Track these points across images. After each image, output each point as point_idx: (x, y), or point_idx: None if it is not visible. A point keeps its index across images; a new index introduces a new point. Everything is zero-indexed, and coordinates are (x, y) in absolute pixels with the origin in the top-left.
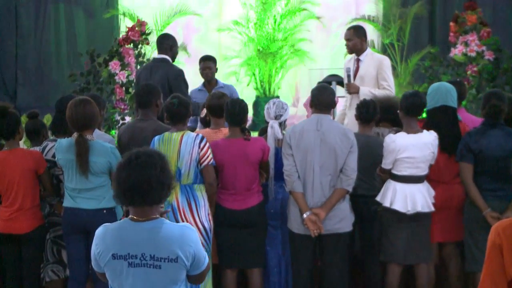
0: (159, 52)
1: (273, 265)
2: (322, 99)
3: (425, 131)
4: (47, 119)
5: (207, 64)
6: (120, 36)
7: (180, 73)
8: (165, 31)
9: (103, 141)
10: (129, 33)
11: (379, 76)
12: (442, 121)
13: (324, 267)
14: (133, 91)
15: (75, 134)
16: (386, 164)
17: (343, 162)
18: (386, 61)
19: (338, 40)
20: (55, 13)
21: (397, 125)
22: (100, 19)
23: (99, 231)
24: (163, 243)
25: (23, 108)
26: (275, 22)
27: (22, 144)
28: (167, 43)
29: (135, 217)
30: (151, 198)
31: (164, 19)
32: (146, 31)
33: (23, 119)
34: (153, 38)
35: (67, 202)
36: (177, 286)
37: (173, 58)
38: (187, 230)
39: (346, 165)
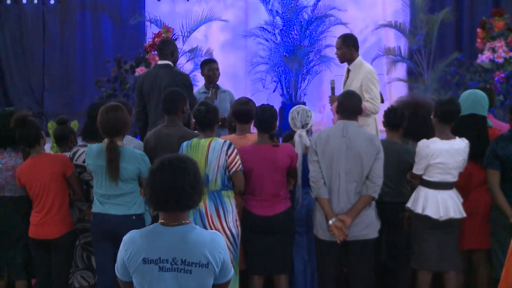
0: (160, 58)
1: (298, 271)
2: (348, 105)
3: (457, 138)
4: (74, 125)
5: (214, 66)
6: (147, 42)
7: (187, 78)
8: (191, 37)
9: (133, 148)
10: (156, 39)
11: (362, 88)
12: (469, 129)
13: (350, 274)
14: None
15: (105, 140)
16: (418, 169)
17: (369, 168)
18: (372, 73)
19: (364, 46)
20: (82, 20)
21: (407, 136)
22: (127, 25)
23: (127, 236)
24: (194, 247)
25: (50, 114)
26: (301, 28)
27: (49, 149)
28: (168, 49)
29: (165, 222)
30: (185, 203)
31: (190, 25)
32: (173, 38)
33: (51, 125)
34: (179, 45)
35: (96, 208)
36: None
37: (175, 63)
38: (217, 236)
39: (372, 171)
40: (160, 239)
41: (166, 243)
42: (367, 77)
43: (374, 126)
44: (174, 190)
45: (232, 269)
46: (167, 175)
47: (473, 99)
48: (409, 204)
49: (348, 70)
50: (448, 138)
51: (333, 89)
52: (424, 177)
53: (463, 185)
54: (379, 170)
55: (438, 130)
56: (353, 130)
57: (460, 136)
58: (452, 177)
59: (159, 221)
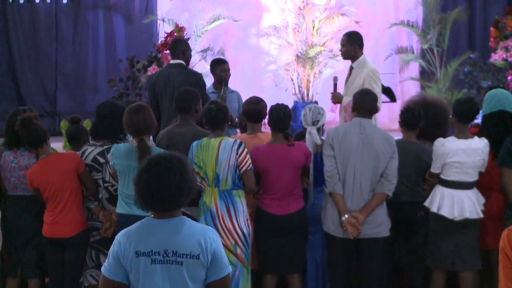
0: (173, 57)
1: (310, 270)
2: (364, 103)
3: (476, 137)
4: (86, 124)
5: (226, 66)
6: (159, 41)
7: (200, 77)
8: (204, 36)
9: (157, 147)
10: (168, 38)
11: (364, 87)
12: (498, 126)
13: (361, 273)
14: (148, 98)
15: (133, 140)
16: (434, 168)
17: (384, 166)
18: (374, 72)
19: (376, 45)
20: (94, 19)
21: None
22: (139, 25)
23: (121, 233)
24: (185, 239)
25: (62, 113)
26: (313, 28)
27: (62, 148)
28: (180, 48)
29: (156, 216)
30: (171, 204)
31: (202, 24)
32: (185, 37)
33: (64, 124)
34: (192, 44)
35: (121, 209)
36: (198, 285)
37: (187, 62)
38: (209, 229)
39: (388, 170)
40: (151, 232)
41: (157, 236)
42: (369, 75)
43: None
44: (159, 191)
45: (230, 266)
46: (152, 176)
47: (499, 97)
48: (426, 203)
49: (351, 68)
50: (465, 137)
51: (335, 85)
52: (442, 176)
53: (486, 184)
54: (394, 170)
55: (456, 129)
56: (370, 128)
57: (489, 134)
58: (470, 177)
59: (150, 215)
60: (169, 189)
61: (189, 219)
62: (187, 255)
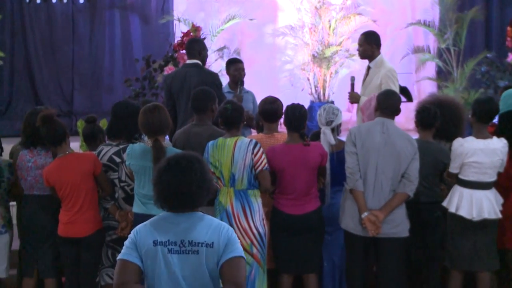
0: (189, 57)
1: (327, 270)
2: (388, 104)
3: (494, 137)
4: (103, 124)
5: (240, 66)
6: (175, 41)
7: (216, 77)
8: (220, 36)
9: (175, 148)
10: (184, 38)
11: (382, 86)
12: None
13: (379, 273)
14: (164, 98)
15: (148, 140)
16: (453, 168)
17: (406, 166)
18: (392, 72)
19: (393, 45)
20: (111, 19)
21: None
22: (155, 25)
23: (139, 225)
24: (201, 229)
25: (79, 113)
26: (329, 27)
27: (78, 148)
28: (196, 48)
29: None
30: (191, 203)
31: (218, 24)
32: (201, 37)
33: (80, 123)
34: (208, 43)
35: (138, 208)
36: (213, 276)
37: (203, 62)
38: (226, 224)
39: (410, 170)
40: (170, 224)
41: (175, 228)
42: (387, 75)
43: None
44: (180, 191)
45: (242, 251)
46: (173, 175)
47: None
48: (445, 203)
49: (369, 68)
50: (484, 138)
51: (352, 85)
52: (460, 176)
53: (504, 184)
54: (416, 170)
55: (475, 129)
56: (392, 128)
57: (506, 133)
58: (489, 177)
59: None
60: (190, 188)
61: (206, 215)
62: (202, 243)
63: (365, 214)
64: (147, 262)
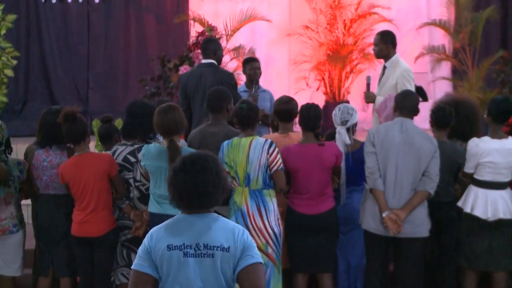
0: (204, 57)
1: (342, 270)
2: (407, 104)
3: (510, 137)
4: (118, 123)
5: (256, 65)
6: (190, 41)
7: (232, 77)
8: (235, 36)
9: (188, 147)
10: (199, 38)
11: (398, 86)
12: None
13: (398, 272)
14: (179, 97)
15: (164, 140)
16: (468, 167)
17: (426, 165)
18: (408, 72)
19: (408, 44)
20: (126, 19)
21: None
22: (170, 24)
23: (153, 228)
24: (216, 232)
25: (94, 112)
26: (345, 27)
27: (94, 148)
28: (211, 48)
29: (189, 212)
30: (207, 202)
31: (233, 24)
32: (216, 36)
33: (96, 123)
34: (223, 43)
35: (153, 208)
36: (227, 279)
37: (219, 62)
38: (241, 227)
39: (430, 168)
40: (184, 227)
41: (190, 230)
42: (402, 75)
43: None
44: (196, 190)
45: (260, 257)
46: (189, 175)
47: None
48: (459, 203)
49: (384, 67)
50: (499, 137)
51: (368, 85)
52: (475, 176)
53: None
54: (436, 168)
55: (490, 129)
56: (411, 127)
57: None
58: (504, 177)
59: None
60: (206, 188)
61: (222, 216)
62: (217, 247)
63: (386, 213)
64: (162, 267)
